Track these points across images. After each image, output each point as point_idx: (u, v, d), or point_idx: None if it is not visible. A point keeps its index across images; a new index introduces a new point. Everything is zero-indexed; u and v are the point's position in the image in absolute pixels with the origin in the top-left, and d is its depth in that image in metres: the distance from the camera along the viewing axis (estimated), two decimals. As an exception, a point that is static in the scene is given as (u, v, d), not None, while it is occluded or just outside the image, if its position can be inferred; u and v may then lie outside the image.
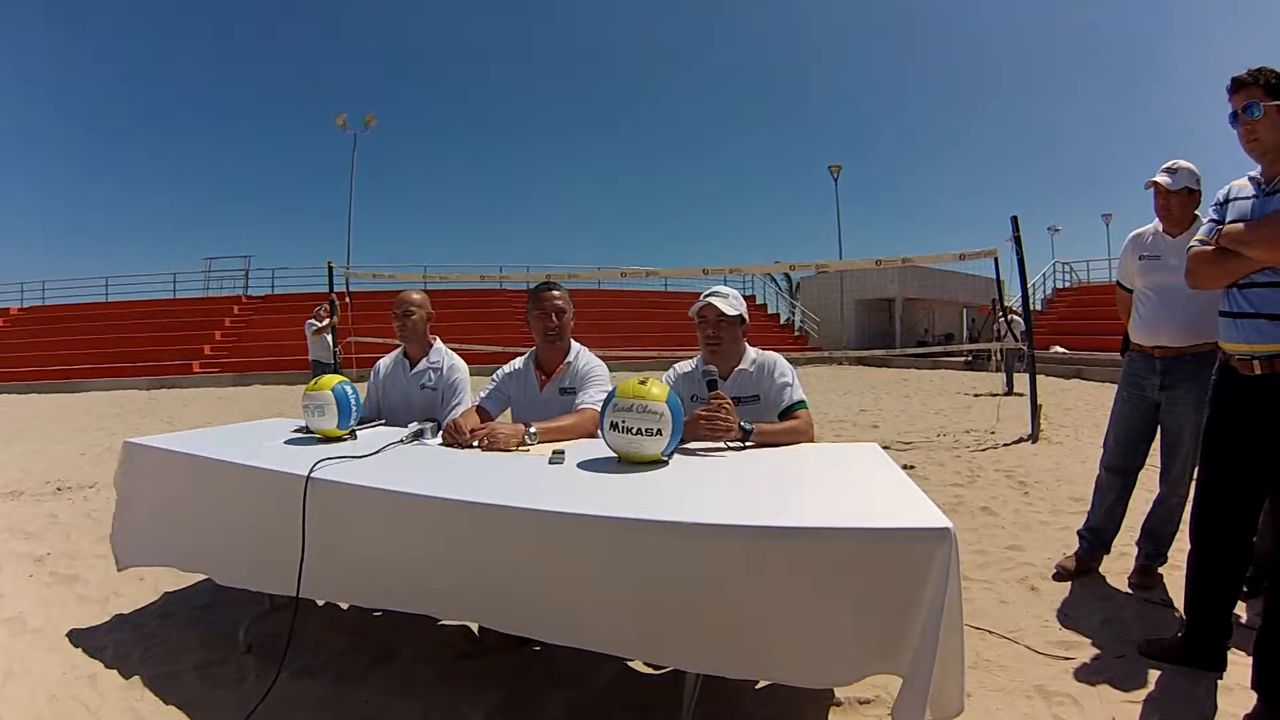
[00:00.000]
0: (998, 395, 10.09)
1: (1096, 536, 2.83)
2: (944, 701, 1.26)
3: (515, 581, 1.50)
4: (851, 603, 1.31)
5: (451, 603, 1.62)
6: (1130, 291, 2.71)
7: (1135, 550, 2.77)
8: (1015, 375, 10.40)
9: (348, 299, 10.43)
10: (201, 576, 2.80)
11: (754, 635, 1.35)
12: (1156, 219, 2.62)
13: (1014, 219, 6.49)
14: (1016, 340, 10.65)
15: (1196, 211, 2.51)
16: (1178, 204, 2.50)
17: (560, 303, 2.56)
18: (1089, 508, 2.90)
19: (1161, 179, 2.49)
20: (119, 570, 2.41)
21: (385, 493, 1.64)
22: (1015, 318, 11.46)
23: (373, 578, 1.70)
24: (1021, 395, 8.91)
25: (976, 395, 10.66)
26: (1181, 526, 2.52)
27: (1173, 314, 2.52)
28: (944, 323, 24.75)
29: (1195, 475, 2.09)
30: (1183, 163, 2.50)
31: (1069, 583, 2.73)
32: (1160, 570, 2.71)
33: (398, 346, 3.00)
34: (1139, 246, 2.65)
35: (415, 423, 2.34)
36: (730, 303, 2.28)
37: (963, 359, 15.89)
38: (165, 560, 2.32)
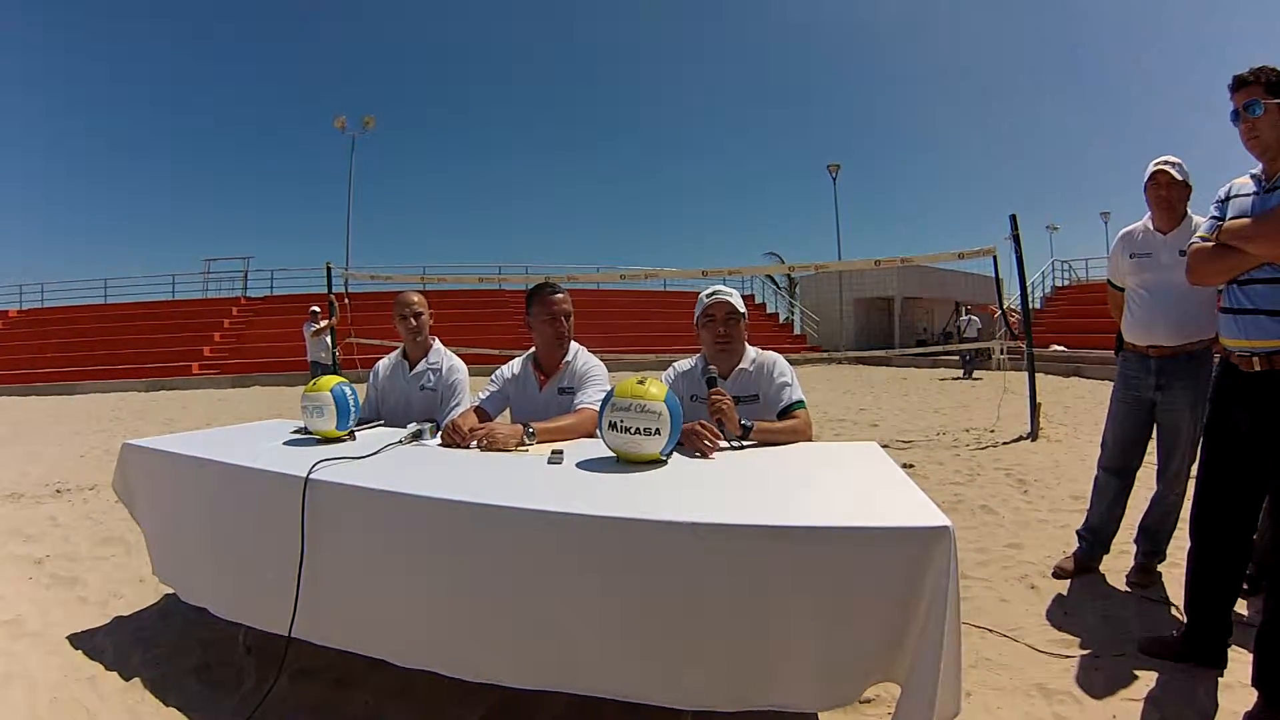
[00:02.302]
0: (958, 379, 13.45)
1: (1095, 536, 2.83)
2: (942, 702, 1.25)
3: (510, 588, 1.48)
4: (851, 603, 1.31)
5: (430, 637, 1.58)
6: (1122, 290, 2.71)
7: (1134, 549, 2.77)
8: (985, 368, 12.83)
9: (346, 299, 10.43)
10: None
11: (751, 646, 1.34)
12: (1147, 217, 2.63)
13: (1013, 217, 6.50)
14: (977, 336, 14.29)
15: (1188, 207, 2.53)
16: (1178, 196, 2.51)
17: (567, 306, 2.56)
18: (1088, 507, 2.90)
19: (1170, 169, 2.49)
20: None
21: (385, 493, 1.64)
22: (972, 317, 15.79)
23: (362, 590, 1.69)
24: (980, 380, 12.67)
25: (942, 380, 13.66)
26: (1181, 524, 2.52)
27: (1166, 313, 2.52)
28: (943, 321, 24.74)
29: (1194, 473, 2.09)
30: (1176, 159, 2.51)
31: (1069, 581, 2.73)
32: (1159, 568, 2.72)
33: (397, 348, 3.00)
34: (1129, 245, 2.65)
35: (414, 423, 2.34)
36: (736, 299, 2.33)
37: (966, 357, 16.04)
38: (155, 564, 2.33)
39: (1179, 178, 2.48)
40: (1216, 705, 1.86)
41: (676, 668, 1.39)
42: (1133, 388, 2.67)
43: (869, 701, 1.87)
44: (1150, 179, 2.54)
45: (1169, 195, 2.51)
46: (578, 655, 1.45)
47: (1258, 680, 1.78)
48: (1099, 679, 1.99)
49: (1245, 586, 2.27)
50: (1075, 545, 2.89)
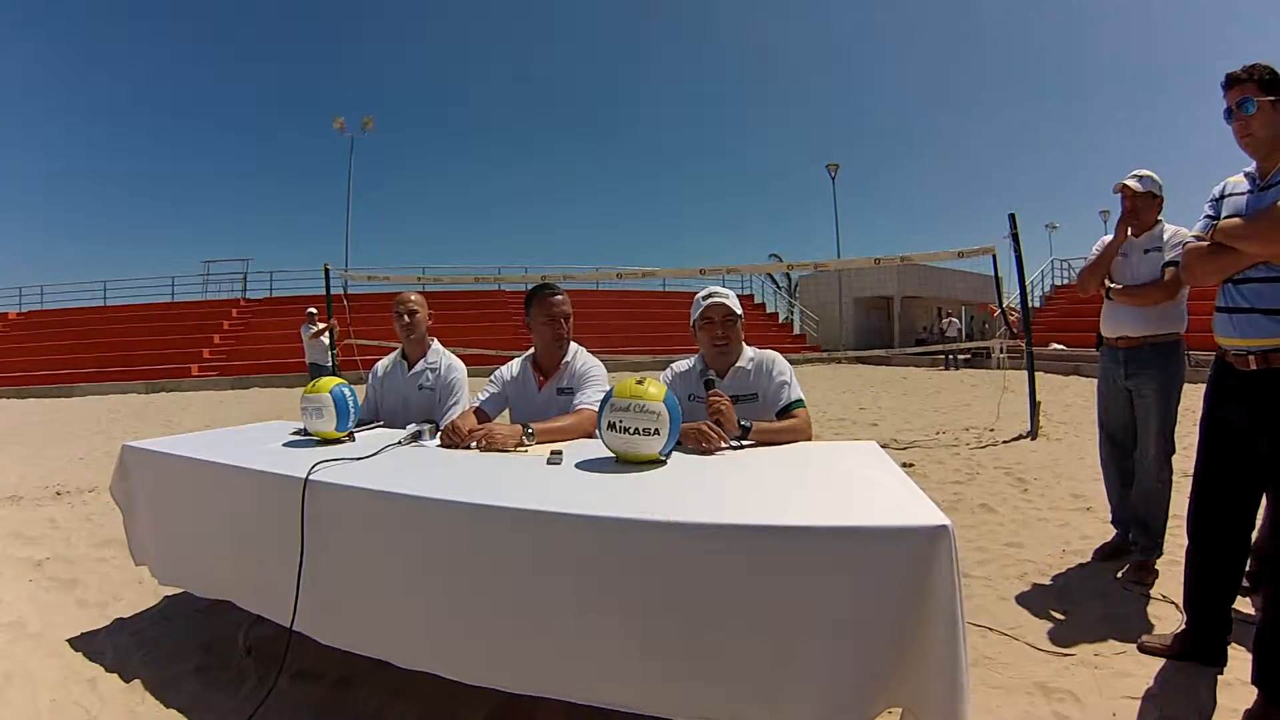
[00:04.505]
0: (942, 369, 16.24)
1: (1124, 523, 2.94)
2: (952, 694, 1.25)
3: (509, 589, 1.48)
4: (851, 603, 1.30)
5: (432, 640, 1.58)
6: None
7: (1132, 546, 2.80)
8: (983, 367, 14.91)
9: (344, 301, 10.42)
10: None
11: (753, 646, 1.33)
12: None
13: (1012, 216, 6.50)
14: (957, 336, 18.07)
15: (1160, 217, 2.76)
16: (1143, 206, 2.73)
17: (567, 307, 2.56)
18: (1107, 500, 3.03)
19: (1131, 182, 2.74)
20: (136, 565, 2.40)
21: (382, 494, 1.64)
22: (952, 319, 19.85)
23: (362, 592, 1.69)
24: (958, 370, 15.38)
25: (925, 372, 15.77)
26: (1180, 522, 2.53)
27: (1132, 308, 2.73)
28: (928, 323, 24.77)
29: (1192, 471, 2.10)
30: (1148, 171, 2.77)
31: (1068, 579, 2.75)
32: (1158, 565, 2.73)
33: (395, 348, 3.01)
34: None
35: (414, 424, 2.34)
36: (732, 300, 2.33)
37: (964, 356, 16.30)
38: (152, 565, 2.32)
39: (1140, 189, 2.72)
40: (1216, 703, 1.86)
41: (676, 673, 1.37)
42: (1110, 379, 2.88)
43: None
44: (1120, 193, 2.79)
45: (1133, 206, 2.75)
46: (576, 660, 1.44)
47: (1257, 678, 1.78)
48: (1099, 677, 2.00)
49: (1246, 584, 2.28)
50: (1072, 544, 2.93)
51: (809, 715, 1.31)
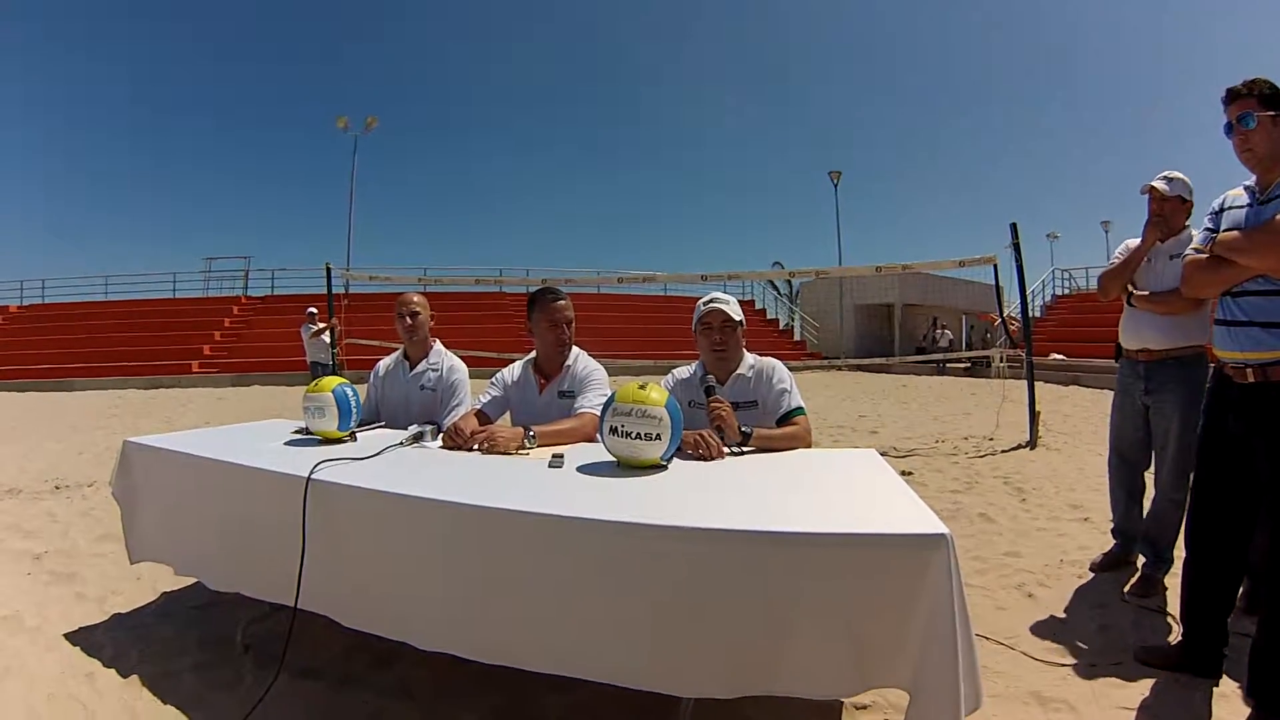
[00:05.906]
0: (935, 374, 16.96)
1: (1125, 536, 2.91)
2: (953, 704, 1.26)
3: (512, 589, 1.50)
4: (848, 608, 1.31)
5: (442, 625, 1.60)
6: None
7: (1140, 560, 2.79)
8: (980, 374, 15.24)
9: (344, 300, 10.42)
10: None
11: (751, 644, 1.35)
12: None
13: (1013, 226, 6.52)
14: (949, 346, 19.23)
15: (1187, 222, 2.62)
16: (1171, 210, 2.60)
17: (570, 313, 2.57)
18: (1109, 511, 2.98)
19: (1159, 184, 2.60)
20: (132, 563, 2.39)
21: (385, 494, 1.64)
22: (945, 330, 20.94)
23: (370, 585, 1.70)
24: (949, 374, 15.92)
25: (918, 375, 16.69)
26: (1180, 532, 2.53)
27: (1155, 317, 2.60)
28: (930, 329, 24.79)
29: (1191, 482, 2.10)
30: (1178, 174, 2.62)
31: (1066, 589, 2.75)
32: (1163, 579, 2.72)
33: (395, 348, 3.02)
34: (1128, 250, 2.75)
35: (415, 425, 2.35)
36: (733, 307, 2.32)
37: (963, 365, 16.45)
38: (167, 559, 2.32)
39: (1170, 193, 2.59)
40: (1211, 715, 1.86)
41: (676, 662, 1.40)
42: (1127, 392, 2.77)
43: (865, 708, 1.87)
44: (1147, 194, 2.65)
45: (1160, 210, 2.62)
46: (582, 646, 1.46)
47: (1252, 691, 1.78)
48: (1095, 688, 2.00)
49: (1246, 603, 2.26)
50: (1070, 555, 2.93)
51: (801, 689, 1.36)
